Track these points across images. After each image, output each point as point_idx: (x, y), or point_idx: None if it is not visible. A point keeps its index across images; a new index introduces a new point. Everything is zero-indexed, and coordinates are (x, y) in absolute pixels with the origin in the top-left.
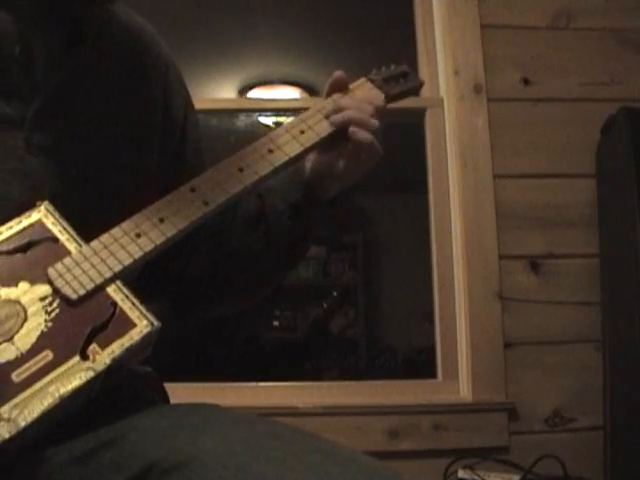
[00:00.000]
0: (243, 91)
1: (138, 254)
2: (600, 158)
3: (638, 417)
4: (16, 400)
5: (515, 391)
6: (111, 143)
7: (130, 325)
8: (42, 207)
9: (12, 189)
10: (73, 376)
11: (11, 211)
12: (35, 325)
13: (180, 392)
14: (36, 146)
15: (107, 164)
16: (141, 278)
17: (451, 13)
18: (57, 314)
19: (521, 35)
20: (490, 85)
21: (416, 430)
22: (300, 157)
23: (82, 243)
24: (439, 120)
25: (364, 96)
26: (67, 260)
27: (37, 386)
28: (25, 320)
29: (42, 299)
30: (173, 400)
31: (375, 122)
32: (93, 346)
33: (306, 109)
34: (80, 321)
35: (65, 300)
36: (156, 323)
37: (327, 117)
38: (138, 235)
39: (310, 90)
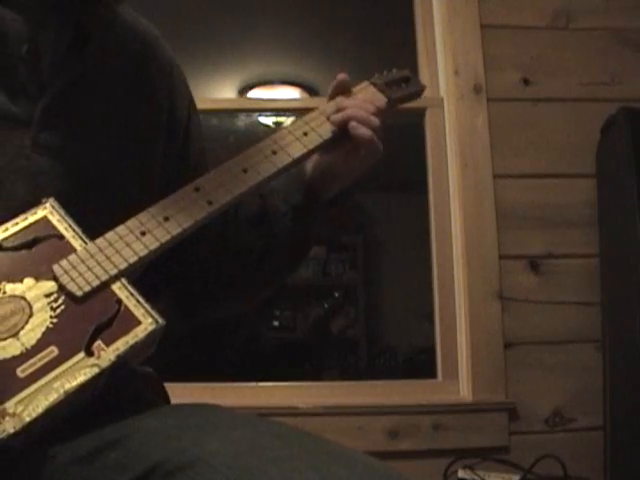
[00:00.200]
0: (243, 91)
1: (143, 252)
2: (600, 158)
3: (638, 417)
4: (21, 395)
5: (515, 391)
6: (116, 143)
7: (135, 322)
8: (48, 204)
9: (18, 188)
10: (78, 372)
11: (17, 209)
12: (40, 321)
13: (180, 392)
14: (42, 145)
15: (112, 164)
16: (144, 277)
17: (451, 13)
18: (62, 310)
19: (521, 35)
20: (490, 85)
21: (416, 430)
22: (303, 159)
23: (87, 240)
24: (439, 120)
25: (366, 98)
26: (72, 257)
27: (42, 382)
28: (30, 316)
29: (47, 295)
30: (173, 400)
31: (376, 120)
32: (98, 343)
33: (306, 109)
34: (85, 318)
35: (70, 297)
36: (161, 321)
37: (329, 118)
38: (143, 233)
39: (310, 90)
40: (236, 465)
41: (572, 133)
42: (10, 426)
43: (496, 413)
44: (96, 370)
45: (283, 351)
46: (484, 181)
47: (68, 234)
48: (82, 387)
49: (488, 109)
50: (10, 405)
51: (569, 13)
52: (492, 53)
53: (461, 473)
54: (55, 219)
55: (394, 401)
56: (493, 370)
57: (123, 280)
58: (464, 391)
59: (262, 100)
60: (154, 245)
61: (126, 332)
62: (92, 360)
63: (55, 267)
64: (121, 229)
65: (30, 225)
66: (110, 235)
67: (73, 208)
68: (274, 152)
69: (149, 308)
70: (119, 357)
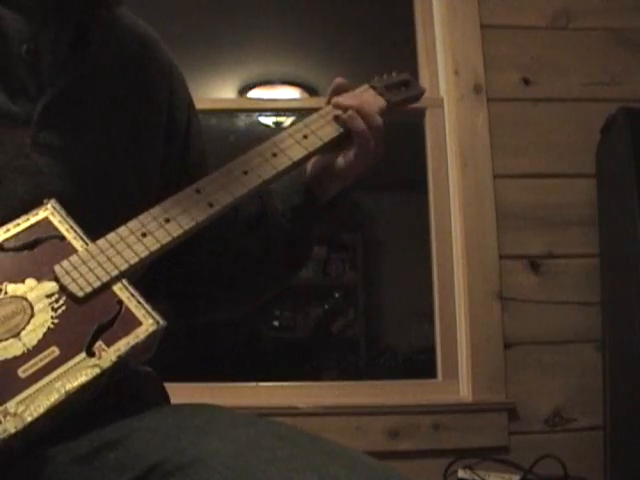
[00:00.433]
0: (243, 91)
1: (144, 253)
2: (600, 158)
3: (638, 417)
4: (22, 395)
5: (515, 391)
6: (115, 143)
7: (136, 323)
8: (49, 205)
9: (18, 186)
10: (79, 372)
11: (16, 208)
12: (42, 321)
13: (180, 392)
14: (42, 144)
15: (111, 164)
16: (144, 278)
17: (451, 13)
18: (63, 311)
19: (521, 35)
20: (490, 85)
21: (416, 430)
22: (303, 161)
23: (88, 241)
24: (439, 120)
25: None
26: (74, 258)
27: (43, 382)
28: (32, 316)
29: (49, 296)
30: (173, 400)
31: (379, 118)
32: (99, 343)
33: (306, 109)
34: (86, 318)
35: (71, 297)
36: (162, 322)
37: (337, 117)
38: (144, 234)
39: (310, 90)
40: (235, 465)
41: (572, 133)
42: (11, 426)
43: (496, 413)
44: (97, 371)
45: (283, 351)
46: (484, 181)
47: (69, 235)
48: (83, 387)
49: (488, 109)
50: (11, 405)
51: (569, 13)
52: (492, 53)
53: (461, 473)
54: (56, 220)
55: (394, 401)
56: (493, 370)
57: (124, 281)
58: (464, 391)
59: (262, 100)
60: (155, 246)
61: (127, 333)
62: (93, 361)
63: (56, 268)
64: (122, 230)
65: (31, 226)
66: (111, 236)
67: (73, 208)
68: (274, 155)
69: (150, 309)
70: (120, 358)
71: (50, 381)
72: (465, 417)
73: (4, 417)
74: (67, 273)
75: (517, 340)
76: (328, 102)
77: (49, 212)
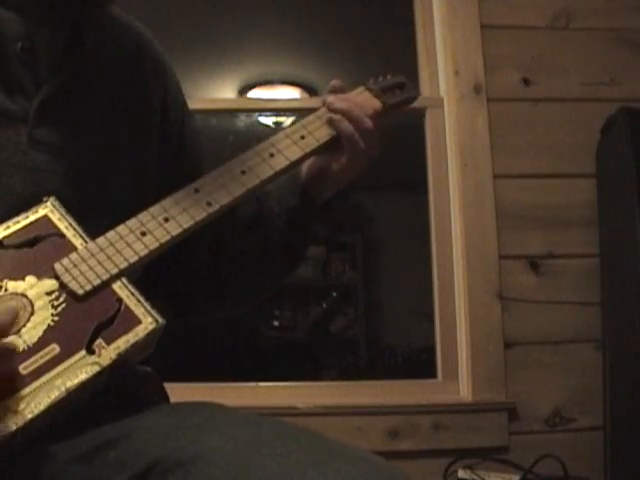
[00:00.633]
0: (243, 91)
1: (144, 252)
2: (600, 158)
3: (638, 417)
4: (23, 392)
5: (515, 391)
6: (111, 142)
7: (135, 322)
8: (48, 203)
9: (15, 183)
10: (79, 370)
11: (14, 205)
12: (42, 319)
13: (180, 392)
14: (38, 141)
15: (108, 163)
16: (142, 277)
17: (451, 13)
18: (63, 308)
19: (521, 35)
20: (490, 85)
21: (416, 430)
22: (300, 162)
23: (88, 239)
24: (439, 120)
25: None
26: (73, 256)
27: (44, 379)
28: (32, 314)
29: (49, 293)
30: (173, 400)
31: (369, 122)
32: (99, 341)
33: (306, 109)
34: (86, 316)
35: (71, 295)
36: (161, 320)
37: (329, 120)
38: (143, 233)
39: (310, 90)
40: (235, 461)
41: (572, 133)
42: (12, 423)
43: (496, 413)
44: (97, 368)
45: (283, 351)
46: (484, 181)
47: (69, 233)
48: (83, 385)
49: (488, 109)
50: (12, 402)
51: (569, 13)
52: (492, 53)
53: (461, 473)
54: (56, 218)
55: (394, 401)
56: (493, 370)
57: (124, 279)
58: (464, 391)
59: (262, 100)
60: (154, 245)
61: (127, 331)
62: (93, 358)
63: (56, 265)
64: (122, 229)
65: (31, 223)
66: (111, 235)
67: (70, 205)
68: (272, 155)
69: (149, 307)
70: (120, 355)
71: (50, 378)
72: (465, 417)
73: (5, 414)
74: (67, 271)
75: (517, 340)
76: (324, 103)
77: (48, 210)
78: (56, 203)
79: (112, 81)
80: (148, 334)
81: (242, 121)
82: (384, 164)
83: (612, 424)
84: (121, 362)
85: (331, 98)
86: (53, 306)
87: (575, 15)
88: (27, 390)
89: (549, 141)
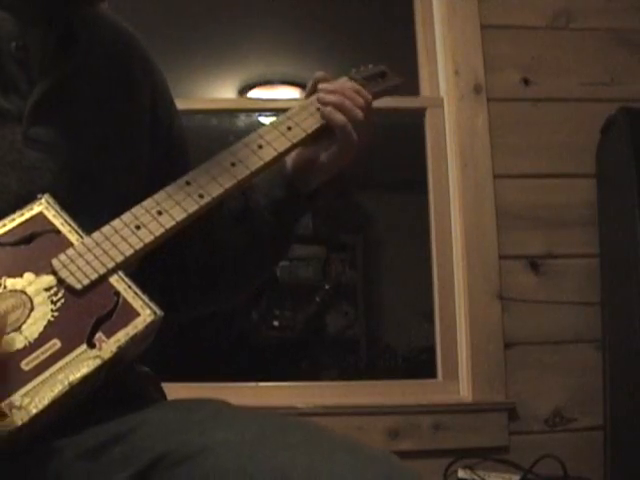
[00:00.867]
0: (243, 91)
1: (139, 245)
2: (600, 158)
3: (638, 417)
4: (27, 388)
5: (515, 391)
6: (104, 141)
7: (134, 314)
8: (43, 200)
9: (11, 181)
10: (81, 364)
11: (10, 203)
12: (42, 315)
13: (180, 392)
14: (33, 140)
15: (100, 161)
16: (135, 273)
17: (451, 13)
18: (63, 304)
19: (521, 35)
20: (490, 85)
21: (416, 430)
22: (288, 152)
23: (83, 235)
24: (439, 120)
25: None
26: (70, 251)
27: (46, 374)
28: (32, 310)
29: (47, 289)
30: None
31: (360, 112)
32: (99, 335)
33: None
34: (85, 311)
35: (70, 290)
36: (159, 312)
37: (318, 109)
38: (138, 227)
39: None
40: (243, 452)
41: (572, 133)
42: (18, 418)
43: (496, 413)
44: (98, 362)
45: (283, 351)
46: (484, 181)
47: (64, 229)
48: (85, 378)
49: (488, 109)
50: (16, 398)
51: (569, 13)
52: (492, 53)
53: (461, 473)
54: (51, 214)
55: (394, 401)
56: (493, 370)
57: (120, 273)
58: (464, 391)
59: (262, 100)
60: (149, 238)
61: (126, 324)
62: (94, 352)
63: (54, 261)
64: (116, 223)
65: (27, 221)
66: (106, 229)
67: (65, 202)
68: (260, 147)
69: (147, 300)
70: (120, 348)
71: (53, 373)
72: (465, 417)
73: (10, 410)
74: (64, 266)
75: (517, 340)
76: (308, 95)
77: (43, 207)
78: (50, 200)
79: (103, 80)
80: (147, 326)
81: (242, 121)
82: (384, 164)
83: (612, 424)
84: (121, 355)
85: (322, 91)
86: (52, 302)
87: (575, 15)
88: (30, 385)
89: (549, 141)
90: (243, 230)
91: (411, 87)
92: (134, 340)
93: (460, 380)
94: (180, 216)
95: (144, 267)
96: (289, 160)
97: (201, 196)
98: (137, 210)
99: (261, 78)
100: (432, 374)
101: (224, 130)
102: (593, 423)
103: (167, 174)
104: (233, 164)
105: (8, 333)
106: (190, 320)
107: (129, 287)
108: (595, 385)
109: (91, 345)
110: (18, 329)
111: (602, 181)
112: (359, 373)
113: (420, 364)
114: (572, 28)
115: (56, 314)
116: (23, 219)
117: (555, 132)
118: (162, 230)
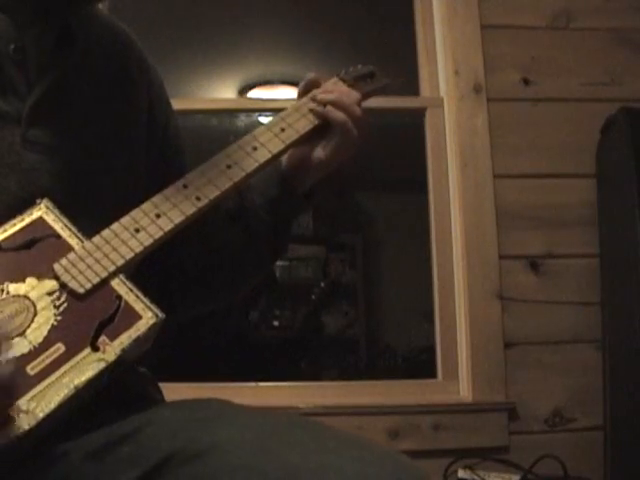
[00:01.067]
0: (243, 91)
1: (139, 248)
2: (600, 158)
3: (638, 417)
4: (33, 392)
5: (515, 391)
6: (102, 142)
7: (136, 317)
8: (42, 204)
9: (10, 183)
10: (86, 367)
11: (9, 205)
12: (45, 319)
13: (180, 392)
14: (32, 142)
15: (99, 162)
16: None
17: (451, 13)
18: (65, 308)
19: (521, 35)
20: (490, 85)
21: (416, 430)
22: (282, 153)
23: (83, 239)
24: (439, 120)
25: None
26: (71, 255)
27: (52, 378)
28: (35, 315)
29: (50, 294)
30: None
31: (358, 109)
32: (103, 338)
33: None
34: (88, 314)
35: (72, 294)
36: (160, 314)
37: (310, 110)
38: (137, 230)
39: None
40: (253, 449)
41: (572, 133)
42: (25, 423)
43: (496, 413)
44: (103, 365)
45: (283, 351)
46: (484, 181)
47: (64, 233)
48: (90, 382)
49: (488, 109)
50: (23, 402)
51: (569, 13)
52: (492, 53)
53: (461, 473)
54: (50, 219)
55: (394, 401)
56: (493, 370)
57: (121, 276)
58: (464, 391)
59: (262, 100)
60: (148, 241)
61: (128, 327)
62: (98, 355)
63: (56, 266)
64: (116, 227)
65: (27, 226)
66: (106, 233)
67: (64, 205)
68: (255, 148)
69: (148, 302)
70: (124, 351)
71: (58, 377)
72: (465, 417)
73: (17, 415)
74: (66, 271)
75: (517, 340)
76: (300, 96)
77: (43, 211)
78: (49, 204)
79: (101, 80)
80: (149, 328)
81: (242, 121)
82: (384, 164)
83: (612, 424)
84: (124, 358)
85: (319, 92)
86: (55, 306)
87: (575, 15)
88: (36, 390)
89: (549, 141)
90: (239, 229)
91: (411, 87)
92: (137, 342)
93: (460, 380)
94: (178, 219)
95: (141, 268)
96: (284, 159)
97: (198, 199)
98: (136, 213)
99: (261, 78)
100: (432, 374)
101: (224, 130)
102: (593, 423)
103: (163, 174)
104: (229, 166)
105: (13, 338)
106: (187, 320)
107: (130, 290)
108: (595, 385)
109: (95, 348)
110: (22, 334)
111: (602, 181)
112: (359, 373)
113: (420, 364)
114: (572, 28)
115: (59, 318)
116: (23, 224)
117: (555, 132)
118: (161, 233)
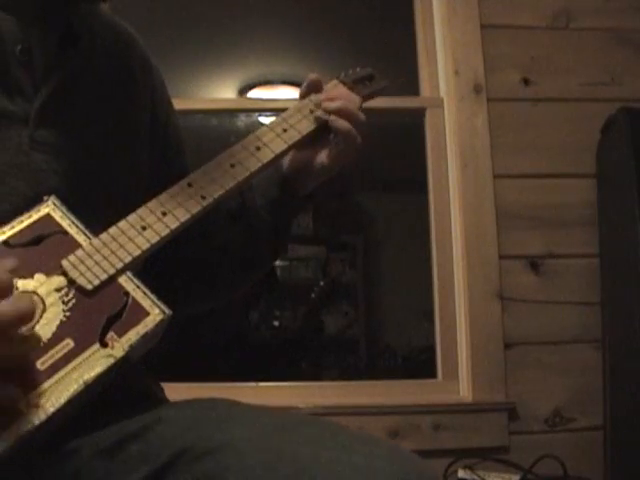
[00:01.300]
0: (243, 91)
1: (145, 246)
2: (600, 158)
3: (638, 417)
4: (43, 387)
5: (515, 391)
6: (107, 141)
7: (144, 314)
8: (50, 201)
9: (19, 183)
10: (95, 363)
11: (19, 204)
12: (54, 315)
13: (180, 392)
14: (39, 142)
15: (104, 162)
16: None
17: (451, 13)
18: (74, 304)
19: (521, 35)
20: (490, 85)
21: (416, 430)
22: (284, 154)
23: (91, 236)
24: (439, 120)
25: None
26: (79, 252)
27: (61, 373)
28: (44, 310)
29: (58, 290)
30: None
31: (362, 115)
32: (111, 334)
33: None
34: (96, 310)
35: (80, 290)
36: (167, 311)
37: (312, 112)
38: (144, 228)
39: None
40: (265, 447)
41: (572, 133)
42: (35, 418)
43: (496, 413)
44: (111, 360)
45: (283, 351)
46: (484, 181)
47: (72, 230)
48: (99, 377)
49: (488, 109)
50: (33, 397)
51: (569, 13)
52: (492, 53)
53: (461, 473)
54: (57, 216)
55: (394, 401)
56: (493, 370)
57: (129, 273)
58: (464, 391)
59: (262, 100)
60: (155, 239)
61: (136, 323)
62: (107, 351)
63: (64, 262)
64: (123, 224)
65: (35, 222)
66: (113, 230)
67: (71, 203)
68: (258, 148)
69: (155, 299)
70: (132, 347)
71: (68, 372)
72: (465, 417)
73: (28, 409)
74: (74, 267)
75: (517, 340)
76: (302, 96)
77: (50, 208)
78: (57, 202)
79: (105, 80)
80: (157, 325)
81: (242, 121)
82: (384, 164)
83: (612, 424)
84: (131, 354)
85: (321, 97)
86: (64, 302)
87: (575, 15)
88: (46, 385)
89: (549, 141)
90: (240, 228)
91: (411, 87)
92: (145, 339)
93: (460, 380)
94: (184, 217)
95: (146, 267)
96: (286, 161)
97: (203, 197)
98: (142, 211)
99: (261, 78)
100: (432, 374)
101: (224, 130)
102: (593, 423)
103: (164, 174)
104: (232, 165)
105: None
106: (186, 317)
107: (138, 287)
108: (595, 385)
109: (103, 344)
110: (32, 329)
111: (602, 181)
112: (359, 373)
113: (420, 364)
114: (572, 28)
115: (68, 314)
116: (31, 221)
117: (555, 132)
118: (167, 231)
